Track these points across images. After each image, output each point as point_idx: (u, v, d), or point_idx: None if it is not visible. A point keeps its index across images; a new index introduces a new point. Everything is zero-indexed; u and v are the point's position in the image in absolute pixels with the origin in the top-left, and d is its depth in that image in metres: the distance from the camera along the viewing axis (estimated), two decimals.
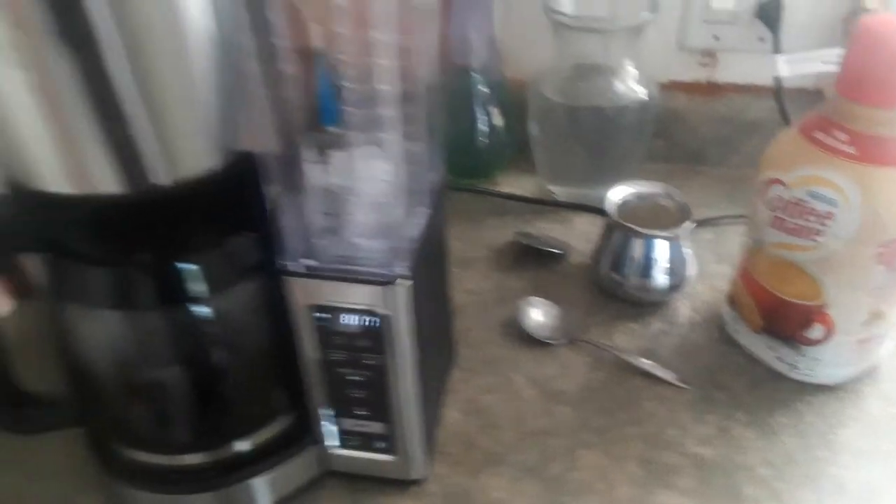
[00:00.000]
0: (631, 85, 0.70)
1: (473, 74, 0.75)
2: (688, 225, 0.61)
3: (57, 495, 0.50)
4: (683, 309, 0.65)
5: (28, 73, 0.32)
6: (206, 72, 0.35)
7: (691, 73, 0.80)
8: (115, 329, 0.42)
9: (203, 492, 0.47)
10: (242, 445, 0.47)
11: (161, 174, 0.36)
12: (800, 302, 0.52)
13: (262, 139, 0.38)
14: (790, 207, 0.50)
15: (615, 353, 0.59)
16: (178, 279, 0.41)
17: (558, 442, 0.53)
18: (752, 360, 0.59)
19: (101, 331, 0.42)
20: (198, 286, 0.41)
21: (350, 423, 0.48)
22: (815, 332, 0.53)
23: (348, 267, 0.41)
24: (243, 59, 0.36)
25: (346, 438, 0.48)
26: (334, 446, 0.49)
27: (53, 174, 0.35)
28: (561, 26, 0.69)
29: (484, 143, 0.78)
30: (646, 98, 0.71)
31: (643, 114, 0.72)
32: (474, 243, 0.73)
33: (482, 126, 0.77)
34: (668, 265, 0.63)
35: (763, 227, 0.53)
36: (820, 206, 0.48)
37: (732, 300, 0.60)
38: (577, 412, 0.55)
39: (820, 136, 0.49)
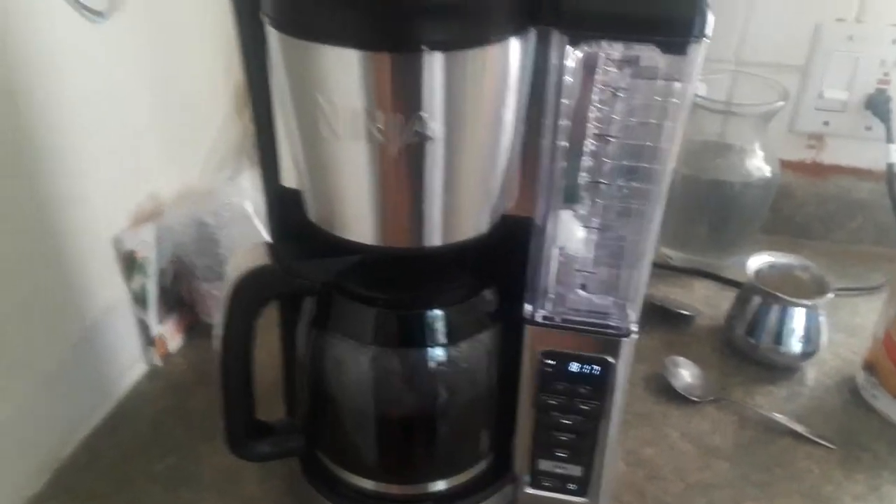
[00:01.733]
0: (756, 163, 0.76)
1: None
2: (828, 295, 0.66)
3: None
4: (815, 374, 0.69)
5: (377, 156, 0.37)
6: (504, 158, 0.41)
7: (799, 153, 0.86)
8: (368, 362, 0.46)
9: None
10: (443, 484, 0.51)
11: (437, 238, 0.41)
12: None
13: (525, 205, 0.44)
14: None
15: (760, 413, 0.63)
16: (433, 324, 0.45)
17: (724, 494, 0.56)
18: (889, 424, 0.63)
19: (353, 362, 0.46)
20: (447, 332, 0.45)
21: (548, 465, 0.51)
22: None
23: (582, 319, 0.46)
24: (524, 137, 0.41)
25: (542, 479, 0.52)
26: (529, 487, 0.52)
27: (359, 228, 0.41)
28: (693, 106, 0.76)
29: None
30: (769, 176, 0.77)
31: (765, 190, 0.77)
32: None
33: None
34: (804, 332, 0.67)
35: None
36: None
37: (870, 367, 0.64)
38: (736, 467, 0.59)
39: None
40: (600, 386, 0.47)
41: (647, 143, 0.41)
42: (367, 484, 0.50)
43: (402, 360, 0.46)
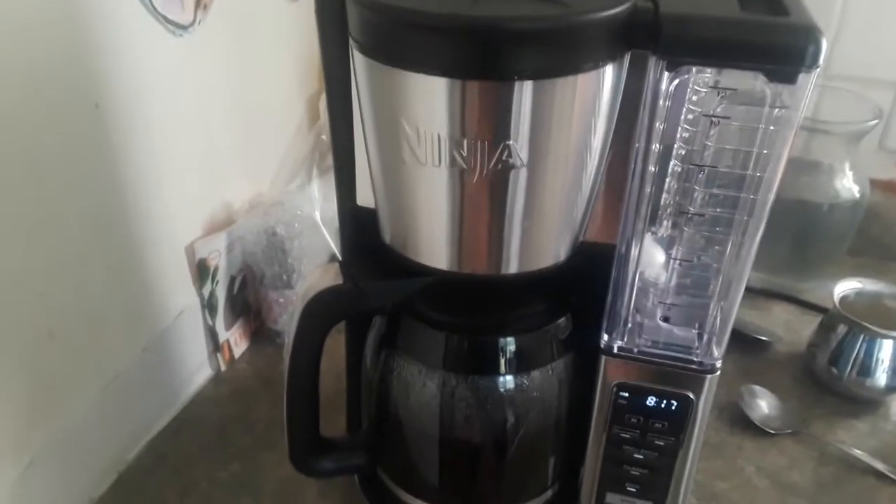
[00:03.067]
0: (845, 184, 0.72)
1: None
2: None
3: None
4: None
5: (457, 183, 0.36)
6: (589, 186, 0.39)
7: (889, 172, 0.81)
8: (436, 387, 0.45)
9: None
10: None
11: (513, 266, 0.40)
12: None
13: (606, 231, 0.42)
14: None
15: (842, 449, 0.60)
16: (502, 351, 0.44)
17: None
18: None
19: (424, 387, 0.45)
20: (516, 360, 0.44)
21: (618, 499, 0.49)
22: None
23: (661, 351, 0.44)
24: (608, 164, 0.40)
25: None
26: None
27: (434, 253, 0.40)
28: None
29: None
30: (858, 197, 0.72)
31: (853, 212, 0.73)
32: None
33: None
34: (892, 364, 0.63)
35: None
36: None
37: None
38: None
39: None
40: (678, 422, 0.45)
41: (749, 172, 0.39)
42: None
43: (470, 386, 0.44)
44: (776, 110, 0.35)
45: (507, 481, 0.49)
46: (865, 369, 0.64)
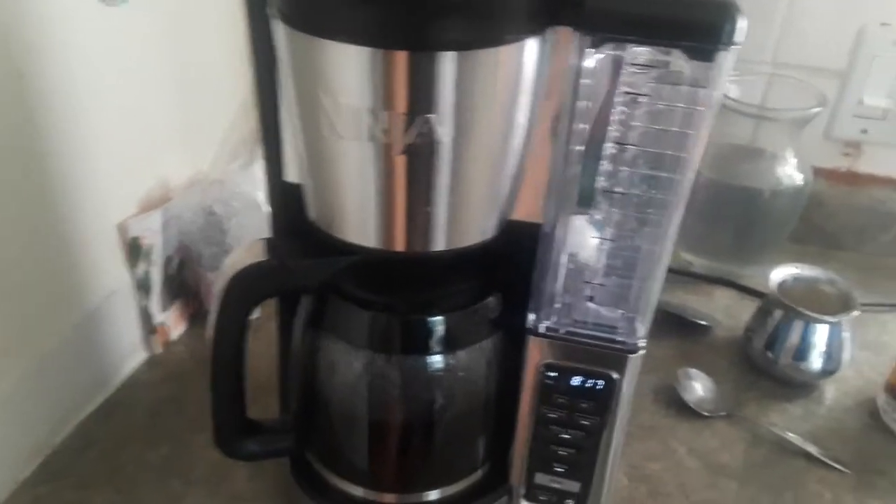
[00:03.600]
0: (788, 171, 0.73)
1: None
2: (853, 312, 0.63)
3: None
4: (835, 393, 0.66)
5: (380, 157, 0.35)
6: (514, 162, 0.39)
7: (833, 161, 0.83)
8: (362, 367, 0.44)
9: None
10: (436, 494, 0.49)
11: (440, 243, 0.39)
12: None
13: (533, 210, 0.41)
14: None
15: (774, 431, 0.61)
16: (430, 330, 0.44)
17: None
18: None
19: (350, 367, 0.45)
20: (445, 339, 0.44)
21: (545, 479, 0.49)
22: None
23: (587, 332, 0.44)
24: (533, 142, 0.39)
25: (538, 493, 0.50)
26: (524, 500, 0.50)
27: (364, 230, 0.39)
28: (724, 108, 0.72)
29: None
30: (801, 184, 0.73)
31: (796, 199, 0.74)
32: None
33: None
34: (826, 349, 0.64)
35: None
36: None
37: (892, 388, 0.62)
38: (744, 488, 0.57)
39: None
40: (603, 401, 0.45)
41: (668, 152, 0.39)
42: (357, 491, 0.48)
43: (398, 366, 0.44)
44: (696, 90, 0.35)
45: (437, 462, 0.48)
46: (800, 353, 0.65)
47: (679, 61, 0.34)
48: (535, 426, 0.47)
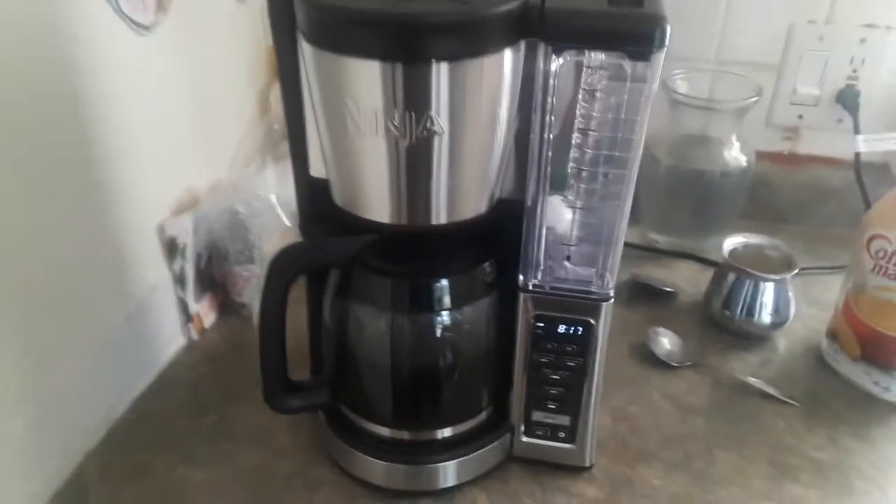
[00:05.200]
0: (733, 154, 0.84)
1: None
2: (793, 271, 0.73)
3: (292, 468, 0.61)
4: (783, 342, 0.77)
5: (394, 148, 0.45)
6: (499, 150, 0.48)
7: (776, 144, 0.94)
8: (386, 325, 0.54)
9: (417, 465, 0.58)
10: (449, 431, 0.58)
11: (443, 217, 0.49)
12: None
13: (519, 190, 0.51)
14: (892, 257, 0.62)
15: (734, 376, 0.71)
16: (438, 292, 0.53)
17: (697, 444, 0.64)
18: (848, 385, 0.70)
19: (375, 326, 0.54)
20: (454, 298, 0.53)
21: (540, 416, 0.59)
22: None
23: (566, 286, 0.54)
24: (515, 133, 0.49)
25: (535, 429, 0.60)
26: (524, 436, 0.60)
27: (381, 209, 0.48)
28: (675, 103, 0.83)
29: None
30: (745, 165, 0.84)
31: (742, 178, 0.85)
32: None
33: None
34: (774, 305, 0.75)
35: (866, 272, 0.65)
36: None
37: (832, 334, 0.72)
38: (709, 422, 0.67)
39: None
40: (584, 344, 0.55)
41: (619, 135, 0.48)
42: (384, 431, 0.58)
43: (414, 323, 0.53)
44: (638, 84, 0.45)
45: (449, 404, 0.58)
46: (752, 310, 0.75)
47: (623, 62, 0.44)
48: (530, 370, 0.57)
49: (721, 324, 0.78)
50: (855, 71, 0.87)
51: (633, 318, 0.79)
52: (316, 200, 0.54)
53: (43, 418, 0.56)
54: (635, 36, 0.43)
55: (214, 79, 0.77)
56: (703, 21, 0.89)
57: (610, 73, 0.46)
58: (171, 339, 0.72)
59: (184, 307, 0.72)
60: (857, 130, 0.86)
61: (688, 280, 0.85)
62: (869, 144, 0.85)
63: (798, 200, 0.94)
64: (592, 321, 0.54)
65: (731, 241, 0.78)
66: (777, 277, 0.74)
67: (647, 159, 0.87)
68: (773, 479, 0.61)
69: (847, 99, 0.87)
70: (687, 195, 0.86)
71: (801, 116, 0.91)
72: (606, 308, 0.54)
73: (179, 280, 0.71)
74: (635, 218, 0.91)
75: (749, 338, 0.77)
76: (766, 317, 0.75)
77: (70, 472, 0.60)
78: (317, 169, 0.53)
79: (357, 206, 0.50)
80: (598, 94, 0.47)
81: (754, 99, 0.81)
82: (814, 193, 0.93)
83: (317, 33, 0.44)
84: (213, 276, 0.76)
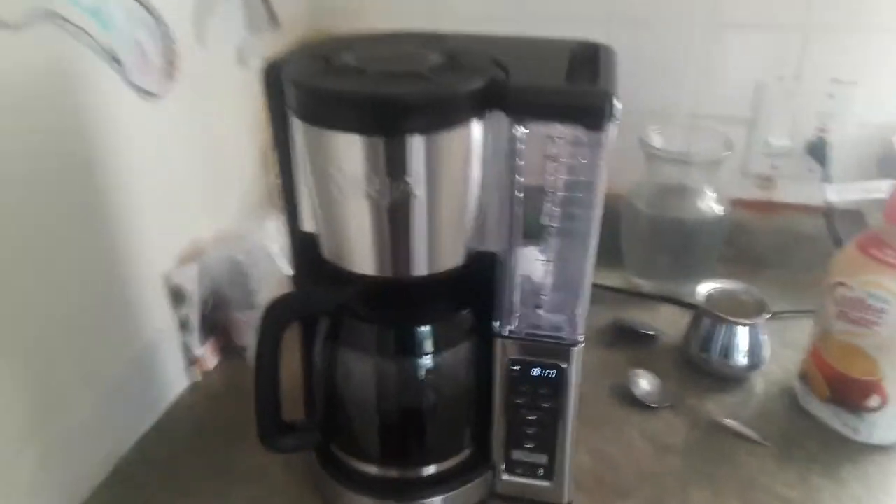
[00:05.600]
0: (709, 203, 0.88)
1: None
2: (765, 315, 0.77)
3: (286, 503, 0.65)
4: (760, 384, 0.80)
5: (374, 209, 0.50)
6: (472, 207, 0.53)
7: (752, 193, 0.98)
8: (371, 369, 0.58)
9: (403, 501, 0.62)
10: (433, 469, 0.62)
11: (424, 268, 0.54)
12: (861, 377, 0.68)
13: (493, 243, 0.56)
14: (853, 304, 0.66)
15: (710, 417, 0.74)
16: (419, 338, 0.58)
17: (673, 482, 0.67)
18: (820, 426, 0.73)
19: (361, 370, 0.58)
20: (435, 343, 0.58)
21: (520, 454, 0.62)
22: (873, 401, 0.68)
23: (539, 332, 0.58)
24: (490, 192, 0.54)
25: (515, 466, 0.63)
26: (505, 473, 0.63)
27: (365, 262, 0.53)
28: (652, 156, 0.88)
29: None
30: (721, 213, 0.88)
31: (718, 226, 0.89)
32: None
33: None
34: (748, 348, 0.78)
35: (831, 318, 0.69)
36: (876, 304, 0.64)
37: (804, 376, 0.75)
38: (685, 461, 0.70)
39: (875, 252, 0.65)
40: (556, 387, 0.59)
41: (581, 195, 0.53)
42: (372, 469, 0.61)
43: (398, 367, 0.58)
44: (593, 150, 0.50)
45: (433, 442, 0.61)
46: (728, 352, 0.79)
47: (578, 133, 0.49)
48: (508, 411, 0.61)
49: (699, 366, 0.81)
50: (824, 123, 0.92)
51: (614, 360, 0.83)
52: (308, 253, 0.58)
53: (52, 455, 0.61)
54: (587, 111, 0.48)
55: (219, 138, 0.83)
56: (678, 77, 0.94)
57: (568, 140, 0.51)
58: (175, 381, 0.76)
59: (188, 351, 0.77)
60: (827, 180, 0.90)
61: (669, 323, 0.89)
62: (839, 194, 0.90)
63: (775, 246, 0.98)
64: (564, 365, 0.58)
65: (706, 287, 0.82)
66: (750, 322, 0.77)
67: (628, 209, 0.92)
68: None
69: (816, 150, 0.92)
70: (667, 242, 0.91)
71: (774, 167, 0.96)
72: (577, 352, 0.58)
73: (184, 325, 0.75)
74: (619, 264, 0.97)
75: (726, 379, 0.80)
76: (741, 359, 0.79)
77: None
78: (309, 224, 0.58)
79: (343, 259, 0.54)
80: (561, 159, 0.52)
81: (726, 153, 0.86)
82: (790, 239, 0.97)
83: (303, 110, 0.49)
84: (215, 320, 0.81)
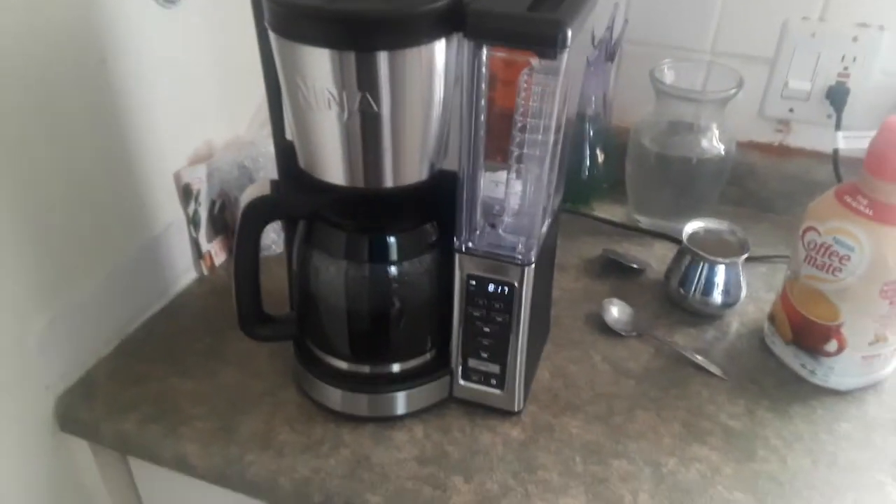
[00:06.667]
0: (713, 142, 0.88)
1: (586, 121, 0.94)
2: (744, 255, 0.78)
3: (264, 388, 0.72)
4: (733, 322, 0.82)
5: (339, 121, 0.53)
6: (434, 125, 0.56)
7: (767, 136, 0.97)
8: (340, 272, 0.63)
9: (366, 393, 0.68)
10: (398, 367, 0.68)
11: (390, 181, 0.57)
12: (821, 322, 0.69)
13: (456, 163, 0.59)
14: (820, 249, 0.67)
15: (674, 348, 0.77)
16: (385, 246, 0.62)
17: (622, 403, 0.71)
18: (782, 366, 0.75)
19: (331, 273, 0.63)
20: (397, 252, 0.62)
21: (475, 363, 0.67)
22: (831, 346, 0.69)
23: (496, 251, 0.61)
24: (454, 112, 0.57)
25: (470, 373, 0.68)
26: (461, 378, 0.69)
27: (335, 172, 0.57)
28: (662, 92, 0.88)
29: (586, 175, 0.97)
30: (723, 154, 0.88)
31: (720, 165, 0.89)
32: (571, 254, 0.92)
33: (587, 162, 0.96)
34: (724, 286, 0.80)
35: (800, 262, 0.70)
36: (841, 250, 0.65)
37: (772, 317, 0.77)
38: (639, 385, 0.73)
39: (848, 199, 0.65)
40: (509, 303, 0.63)
41: (539, 122, 0.55)
42: (342, 364, 0.68)
43: (365, 271, 0.63)
44: (547, 77, 0.52)
45: (396, 343, 0.67)
46: (705, 289, 0.81)
47: (532, 59, 0.51)
48: (465, 322, 0.65)
49: (676, 301, 0.83)
50: (846, 68, 0.89)
51: (596, 290, 0.86)
52: (292, 160, 0.63)
53: (60, 323, 0.69)
54: (541, 38, 0.50)
55: (237, 44, 0.87)
56: (700, 13, 0.92)
57: (526, 67, 0.53)
58: (184, 272, 0.84)
59: (196, 245, 0.84)
60: (838, 127, 0.88)
61: (659, 259, 0.91)
62: (848, 142, 0.88)
63: (783, 191, 0.97)
64: (516, 283, 0.62)
65: (692, 226, 0.83)
66: (727, 261, 0.79)
67: (634, 144, 0.93)
68: (682, 439, 0.67)
69: (836, 96, 0.89)
70: (668, 180, 0.91)
71: (791, 110, 0.94)
72: (528, 272, 0.61)
73: (193, 221, 0.82)
74: (621, 199, 0.98)
75: (702, 315, 0.82)
76: (717, 297, 0.80)
77: (82, 373, 0.73)
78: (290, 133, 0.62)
79: (315, 169, 0.59)
80: (521, 85, 0.54)
81: (733, 91, 0.84)
82: (799, 185, 0.96)
83: (275, 23, 0.52)
84: (224, 221, 0.87)
